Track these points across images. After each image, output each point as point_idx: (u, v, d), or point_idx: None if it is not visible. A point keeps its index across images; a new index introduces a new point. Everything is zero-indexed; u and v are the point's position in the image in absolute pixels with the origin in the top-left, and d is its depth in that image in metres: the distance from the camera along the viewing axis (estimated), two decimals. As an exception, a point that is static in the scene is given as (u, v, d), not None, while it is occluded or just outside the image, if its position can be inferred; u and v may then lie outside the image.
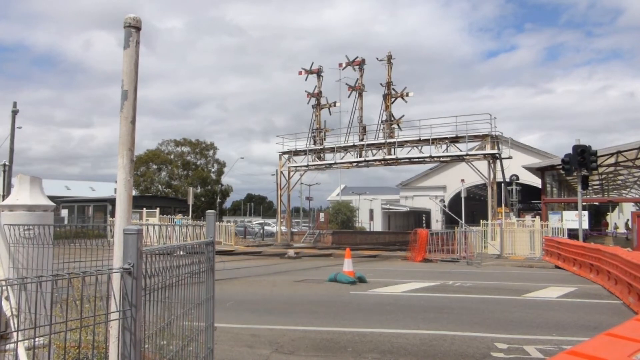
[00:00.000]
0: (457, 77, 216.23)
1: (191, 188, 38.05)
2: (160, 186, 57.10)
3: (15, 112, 29.84)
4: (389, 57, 33.98)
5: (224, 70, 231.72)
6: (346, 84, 34.94)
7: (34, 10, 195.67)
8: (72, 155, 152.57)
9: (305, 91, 36.77)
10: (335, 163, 35.81)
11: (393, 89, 33.83)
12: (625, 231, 51.65)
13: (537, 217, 26.53)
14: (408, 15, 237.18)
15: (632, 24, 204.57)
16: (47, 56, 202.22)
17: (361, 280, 13.72)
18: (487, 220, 27.34)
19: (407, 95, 33.50)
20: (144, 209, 31.02)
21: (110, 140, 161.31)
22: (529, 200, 52.51)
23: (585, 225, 25.13)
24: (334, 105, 36.25)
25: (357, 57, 34.66)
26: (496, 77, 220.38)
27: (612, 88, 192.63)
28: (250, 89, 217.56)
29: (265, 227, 50.21)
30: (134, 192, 8.21)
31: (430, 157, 32.45)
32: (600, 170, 32.94)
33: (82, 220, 40.76)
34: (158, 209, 31.28)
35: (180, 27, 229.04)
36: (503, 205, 30.71)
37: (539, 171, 31.81)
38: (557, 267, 19.00)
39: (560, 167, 22.80)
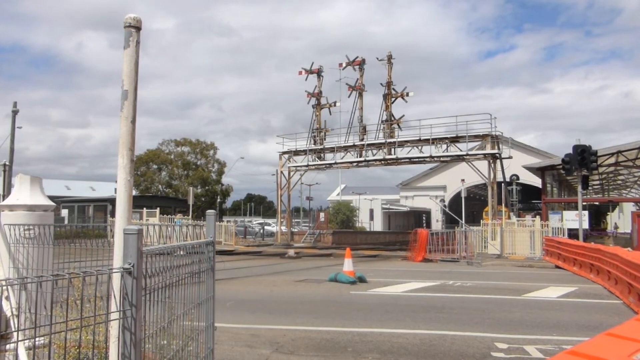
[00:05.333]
0: (454, 77, 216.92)
1: (191, 188, 38.05)
2: (160, 186, 57.09)
3: (15, 112, 29.83)
4: (389, 57, 33.95)
5: (220, 70, 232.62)
6: (346, 84, 34.94)
7: (31, 12, 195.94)
8: (69, 155, 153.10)
9: (306, 91, 36.78)
10: (335, 163, 35.79)
11: (393, 89, 33.81)
12: (614, 230, 51.78)
13: (537, 217, 26.52)
14: (405, 15, 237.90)
15: (630, 24, 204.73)
16: (44, 57, 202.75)
17: (361, 280, 13.72)
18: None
19: (407, 95, 33.48)
20: (144, 208, 31.01)
21: (107, 140, 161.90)
22: (529, 200, 52.50)
23: (586, 225, 25.12)
24: (334, 105, 36.24)
25: (357, 57, 34.64)
26: (494, 77, 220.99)
27: (610, 88, 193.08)
28: (247, 89, 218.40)
29: (266, 227, 50.18)
30: (134, 192, 8.22)
31: (431, 157, 32.44)
32: (601, 170, 32.92)
33: (82, 220, 40.77)
34: (158, 208, 31.26)
35: (175, 28, 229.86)
36: (503, 204, 30.72)
37: (539, 171, 31.79)
38: (557, 267, 19.00)
39: (561, 167, 22.79)
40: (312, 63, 36.42)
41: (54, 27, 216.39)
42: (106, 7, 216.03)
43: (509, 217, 28.46)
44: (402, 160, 34.17)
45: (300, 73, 36.86)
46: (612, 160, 29.93)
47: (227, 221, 38.01)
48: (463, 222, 29.00)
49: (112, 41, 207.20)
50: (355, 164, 35.43)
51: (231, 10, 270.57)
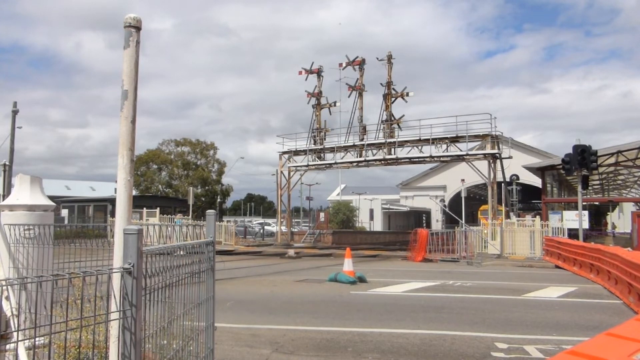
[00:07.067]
0: (454, 77, 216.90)
1: (191, 188, 38.06)
2: (160, 186, 57.07)
3: (15, 112, 29.83)
4: (389, 57, 33.95)
5: (220, 70, 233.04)
6: (346, 84, 34.94)
7: (29, 12, 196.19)
8: (69, 155, 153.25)
9: (306, 91, 36.79)
10: (336, 163, 35.79)
11: (393, 89, 33.80)
12: (612, 230, 51.90)
13: (537, 216, 26.53)
14: (404, 15, 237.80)
15: (630, 24, 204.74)
16: (43, 57, 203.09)
17: (361, 280, 13.72)
18: (487, 220, 27.33)
19: (407, 95, 33.47)
20: (144, 208, 31.01)
21: (107, 140, 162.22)
22: (529, 200, 52.50)
23: (586, 225, 25.12)
24: (334, 105, 36.25)
25: (357, 57, 34.64)
26: (493, 77, 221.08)
27: (609, 88, 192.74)
28: (246, 89, 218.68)
29: (266, 227, 50.18)
30: (134, 192, 8.21)
31: (431, 157, 32.43)
32: (601, 170, 32.92)
33: (82, 220, 40.76)
34: (158, 208, 31.27)
35: (173, 28, 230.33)
36: (503, 204, 30.72)
37: (539, 171, 31.80)
38: (557, 267, 19.00)
39: (561, 166, 22.79)
40: (312, 63, 36.50)
41: (52, 27, 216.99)
42: (104, 7, 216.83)
43: (508, 217, 28.45)
44: (402, 160, 34.16)
45: (300, 73, 36.87)
46: (612, 160, 29.93)
47: (227, 221, 38.01)
48: (463, 222, 29.01)
49: (110, 41, 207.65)
50: (355, 164, 35.42)
51: (230, 11, 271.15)
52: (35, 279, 2.54)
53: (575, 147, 20.12)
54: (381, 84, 34.17)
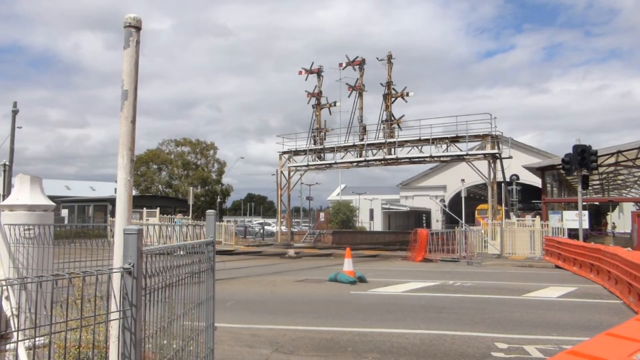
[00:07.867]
0: (454, 77, 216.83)
1: (191, 188, 38.08)
2: (160, 186, 57.07)
3: (15, 112, 29.83)
4: (389, 57, 33.96)
5: (219, 71, 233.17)
6: (346, 84, 34.96)
7: (28, 12, 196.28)
8: (68, 155, 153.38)
9: (306, 91, 36.81)
10: (336, 163, 35.79)
11: (393, 89, 33.81)
12: (612, 229, 51.97)
13: (537, 216, 26.52)
14: (404, 15, 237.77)
15: (629, 24, 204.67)
16: (42, 57, 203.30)
17: (361, 280, 13.72)
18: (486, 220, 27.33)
19: (407, 95, 33.48)
20: (144, 208, 31.02)
21: (106, 140, 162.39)
22: (529, 200, 52.49)
23: (586, 225, 25.12)
24: (334, 105, 36.27)
25: (357, 57, 34.65)
26: (493, 77, 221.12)
27: (609, 88, 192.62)
28: (245, 89, 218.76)
29: (266, 227, 50.18)
30: (134, 192, 8.22)
31: (431, 156, 32.44)
32: (601, 170, 32.92)
33: (82, 220, 40.78)
34: (158, 208, 31.28)
35: (172, 28, 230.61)
36: (503, 204, 30.72)
37: (539, 171, 31.80)
38: (557, 266, 18.99)
39: (561, 166, 22.79)
40: (312, 63, 36.54)
41: (51, 27, 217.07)
42: (103, 7, 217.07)
43: (508, 217, 28.45)
44: (402, 160, 34.17)
45: (300, 73, 36.88)
46: (612, 160, 29.93)
47: (227, 221, 38.00)
48: (463, 222, 28.99)
49: (109, 41, 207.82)
50: (355, 164, 35.43)
51: (228, 11, 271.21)
52: (35, 279, 2.55)
53: (575, 147, 20.12)
54: (381, 84, 34.20)
